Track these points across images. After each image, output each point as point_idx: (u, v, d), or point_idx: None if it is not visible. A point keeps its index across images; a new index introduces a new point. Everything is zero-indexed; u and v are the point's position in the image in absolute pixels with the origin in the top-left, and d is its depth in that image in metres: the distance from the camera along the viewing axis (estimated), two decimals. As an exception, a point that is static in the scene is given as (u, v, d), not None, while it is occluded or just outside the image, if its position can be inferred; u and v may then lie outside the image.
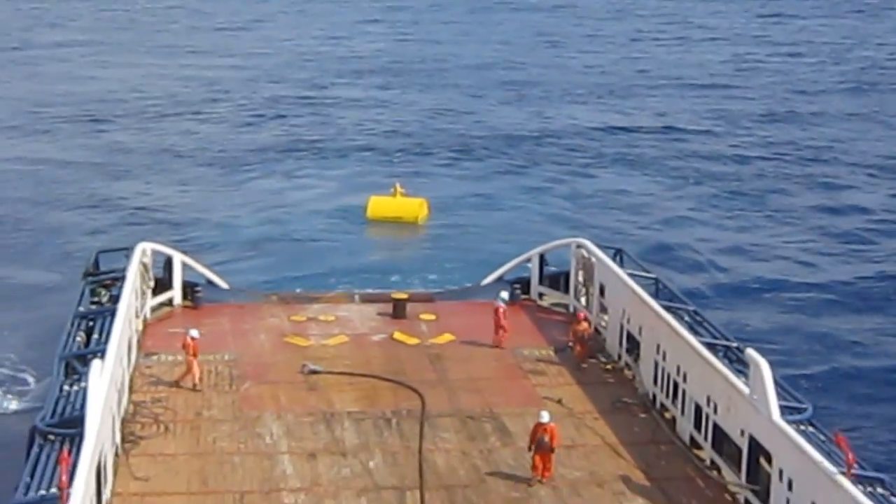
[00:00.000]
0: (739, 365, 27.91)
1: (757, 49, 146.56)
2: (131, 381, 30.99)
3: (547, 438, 25.68)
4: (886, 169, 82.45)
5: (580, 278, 38.20)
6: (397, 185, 66.38)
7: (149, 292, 36.65)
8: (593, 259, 37.00)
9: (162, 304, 37.68)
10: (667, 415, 30.17)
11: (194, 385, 31.43)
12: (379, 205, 65.22)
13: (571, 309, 38.33)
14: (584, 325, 32.65)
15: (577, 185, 77.87)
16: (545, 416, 25.86)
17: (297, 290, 47.04)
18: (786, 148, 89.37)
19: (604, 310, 36.06)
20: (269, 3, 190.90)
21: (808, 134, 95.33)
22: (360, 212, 66.11)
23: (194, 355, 31.53)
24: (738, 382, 26.31)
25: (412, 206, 65.25)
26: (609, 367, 33.36)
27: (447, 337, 35.88)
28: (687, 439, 28.77)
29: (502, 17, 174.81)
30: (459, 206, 70.59)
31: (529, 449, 26.14)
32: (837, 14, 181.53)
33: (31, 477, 22.40)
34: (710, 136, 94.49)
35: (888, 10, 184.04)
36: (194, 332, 32.16)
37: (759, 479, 25.00)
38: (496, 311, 35.51)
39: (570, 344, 33.95)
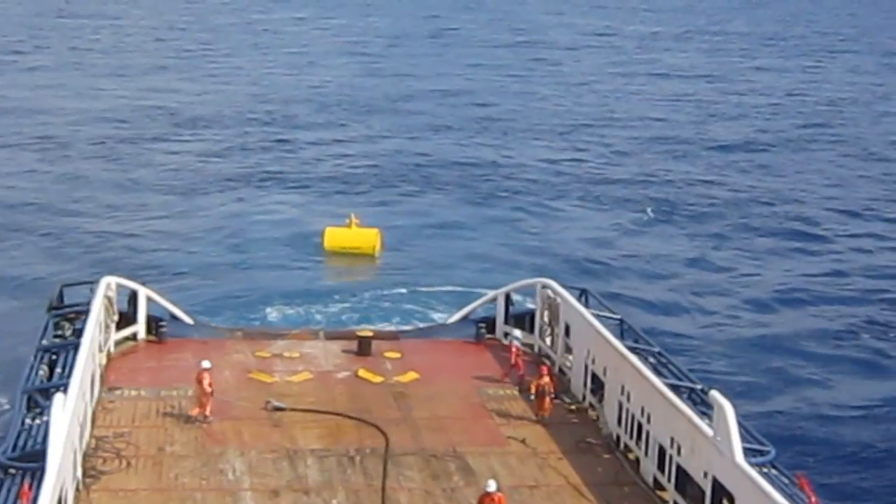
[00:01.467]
0: (703, 406, 28.06)
1: (714, 86, 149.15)
2: (94, 415, 30.83)
3: None
4: (851, 210, 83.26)
5: (545, 318, 38.35)
6: (352, 216, 66.92)
7: (113, 326, 36.56)
8: (558, 299, 37.18)
9: (126, 339, 37.59)
10: (630, 456, 30.25)
11: (205, 417, 31.48)
12: (335, 236, 66.32)
13: (537, 349, 38.44)
14: (546, 379, 32.10)
15: (535, 218, 78.98)
16: (492, 486, 24.71)
17: (262, 326, 47.11)
18: (749, 184, 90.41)
19: (569, 350, 36.18)
20: (234, 35, 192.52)
21: (774, 172, 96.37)
22: (318, 241, 66.91)
23: (206, 391, 31.56)
24: (702, 424, 26.46)
25: (367, 237, 66.16)
26: (573, 407, 33.44)
27: (412, 375, 35.89)
28: (650, 481, 28.84)
29: (462, 52, 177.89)
30: (415, 237, 71.72)
31: None
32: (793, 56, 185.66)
33: None
34: (671, 172, 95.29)
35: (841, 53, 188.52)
36: (206, 364, 32.20)
37: None
38: (511, 349, 36.41)
39: (532, 397, 33.11)
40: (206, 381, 31.69)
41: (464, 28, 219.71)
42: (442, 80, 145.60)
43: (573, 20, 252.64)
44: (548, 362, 36.20)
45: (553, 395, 32.09)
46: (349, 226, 66.45)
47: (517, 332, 37.97)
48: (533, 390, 32.37)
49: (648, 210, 79.98)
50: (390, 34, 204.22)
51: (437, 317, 51.78)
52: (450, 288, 60.25)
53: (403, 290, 60.09)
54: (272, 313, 55.57)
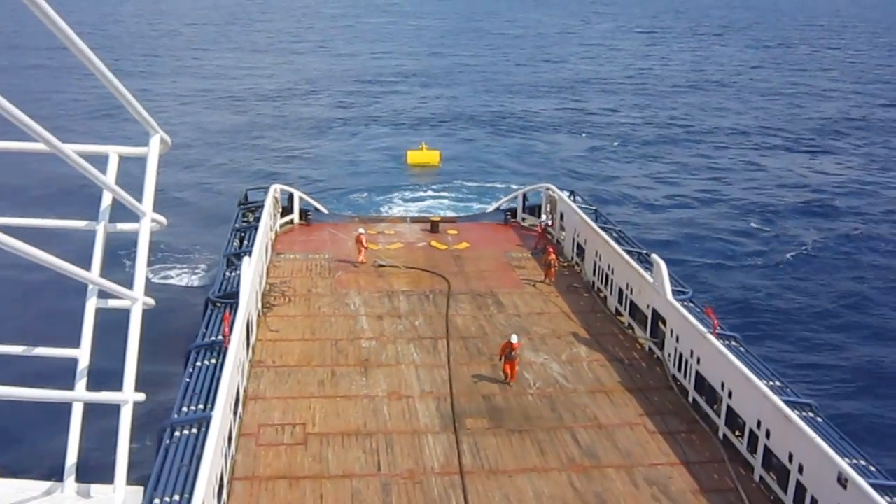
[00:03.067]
0: (647, 264, 28.08)
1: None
2: (267, 270, 31.45)
3: (514, 353, 23.10)
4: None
5: (548, 209, 38.31)
6: (423, 143, 68.55)
7: (278, 215, 36.95)
8: (556, 197, 37.10)
9: (287, 223, 37.95)
10: (601, 295, 30.47)
11: (359, 263, 32.71)
12: (413, 155, 67.06)
13: (543, 224, 38.41)
14: (553, 256, 31.67)
15: (542, 144, 78.25)
16: (514, 338, 23.19)
17: (370, 214, 47.37)
18: (693, 110, 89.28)
19: (563, 228, 36.21)
20: (345, 32, 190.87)
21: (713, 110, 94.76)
22: (403, 159, 67.74)
23: (364, 246, 32.91)
24: (646, 274, 26.65)
25: (433, 156, 67.03)
26: (566, 264, 33.57)
27: (464, 244, 36.08)
28: (613, 310, 29.15)
29: (490, 41, 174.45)
30: (464, 156, 71.42)
31: (500, 359, 23.55)
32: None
33: (206, 328, 22.86)
34: (640, 110, 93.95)
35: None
36: (361, 230, 33.93)
37: (658, 335, 25.41)
38: (539, 228, 36.86)
39: (543, 265, 32.19)
40: (363, 240, 32.95)
41: (490, 24, 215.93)
42: (478, 59, 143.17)
43: (562, 21, 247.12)
44: (554, 244, 35.90)
45: (556, 268, 31.68)
46: (421, 149, 67.34)
47: (545, 219, 37.82)
48: (542, 263, 32.15)
49: (614, 143, 78.96)
50: (442, 30, 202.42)
51: (478, 207, 51.86)
52: (488, 186, 60.65)
53: (458, 189, 60.50)
54: (376, 203, 55.96)
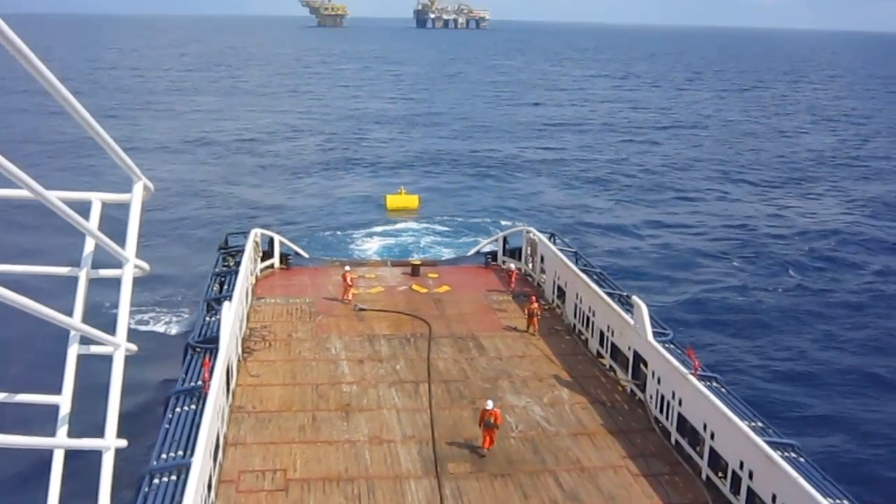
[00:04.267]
0: (628, 306, 28.17)
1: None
2: (248, 314, 31.27)
3: (492, 420, 21.84)
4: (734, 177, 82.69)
5: (529, 252, 38.46)
6: (402, 188, 69.04)
7: (258, 259, 36.85)
8: (537, 239, 37.28)
9: (267, 267, 37.84)
10: (582, 337, 30.48)
11: (345, 300, 33.51)
12: (392, 200, 67.22)
13: (523, 272, 38.54)
14: (535, 306, 31.17)
15: (520, 187, 78.53)
16: (490, 404, 22.10)
17: (350, 258, 47.32)
18: (668, 151, 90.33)
19: (543, 271, 36.32)
20: (327, 79, 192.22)
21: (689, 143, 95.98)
22: (382, 203, 67.76)
23: (349, 284, 33.70)
24: (626, 316, 26.68)
25: (412, 200, 67.24)
26: (546, 307, 33.59)
27: (445, 288, 36.09)
28: (595, 352, 29.13)
29: (466, 87, 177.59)
30: (443, 200, 71.37)
31: (479, 426, 22.25)
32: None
33: (186, 374, 22.69)
34: (616, 152, 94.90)
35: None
36: (348, 268, 35.03)
37: (640, 377, 25.39)
38: (512, 273, 36.71)
39: (527, 315, 31.25)
40: (348, 279, 33.75)
41: (466, 73, 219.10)
42: (454, 105, 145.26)
43: (539, 67, 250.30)
44: (536, 292, 35.46)
45: (539, 316, 31.00)
46: (400, 193, 67.73)
47: (513, 264, 37.95)
48: (525, 312, 31.34)
49: (592, 184, 79.72)
50: (421, 76, 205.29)
51: (458, 250, 52.01)
52: (466, 231, 60.74)
53: (435, 231, 60.68)
54: (356, 248, 55.93)
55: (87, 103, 4.96)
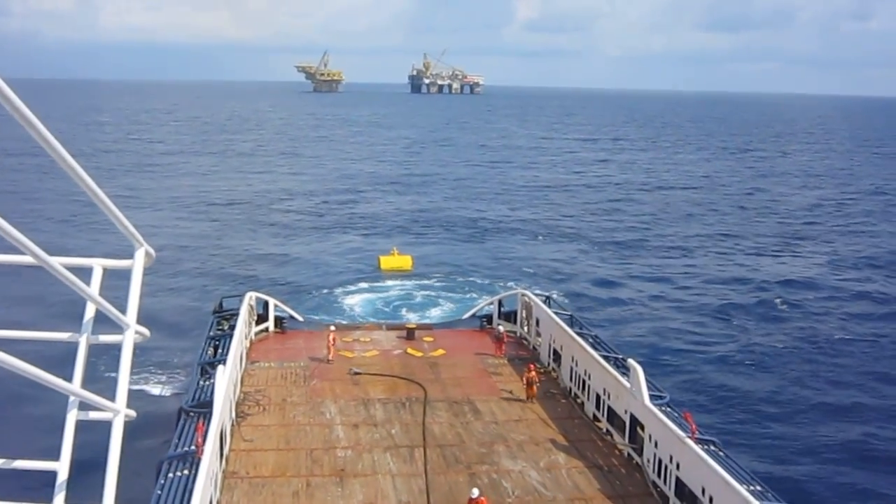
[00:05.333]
0: (623, 369, 28.11)
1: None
2: (242, 378, 31.08)
3: None
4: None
5: (524, 315, 38.46)
6: (394, 248, 69.53)
7: (253, 323, 36.77)
8: (532, 303, 37.33)
9: (261, 330, 37.75)
10: (578, 400, 30.32)
11: (329, 360, 33.75)
12: (385, 260, 67.59)
13: (518, 335, 38.49)
14: (533, 374, 30.68)
15: (515, 249, 78.60)
16: (475, 492, 21.43)
17: (345, 321, 47.21)
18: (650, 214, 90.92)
19: (538, 335, 36.28)
20: (323, 143, 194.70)
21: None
22: (375, 264, 68.05)
23: (333, 344, 34.15)
24: (623, 379, 26.60)
25: (405, 261, 67.61)
26: (543, 371, 33.46)
27: (440, 351, 36.00)
28: (591, 416, 28.94)
29: (456, 151, 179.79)
30: (436, 261, 71.44)
31: None
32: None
33: (179, 439, 22.45)
34: (608, 214, 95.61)
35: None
36: (332, 328, 35.55)
37: (636, 441, 25.20)
38: (503, 336, 36.42)
39: (525, 384, 30.56)
40: (330, 339, 34.23)
41: (457, 137, 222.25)
42: (446, 168, 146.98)
43: (528, 131, 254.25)
44: (531, 355, 35.61)
45: (538, 384, 30.61)
46: (393, 254, 68.19)
47: (502, 327, 37.85)
48: (524, 381, 30.69)
49: (585, 246, 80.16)
50: (414, 140, 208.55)
51: (453, 312, 51.96)
52: (460, 291, 60.82)
53: (430, 294, 60.56)
54: (350, 310, 55.80)
55: (84, 164, 5.04)
